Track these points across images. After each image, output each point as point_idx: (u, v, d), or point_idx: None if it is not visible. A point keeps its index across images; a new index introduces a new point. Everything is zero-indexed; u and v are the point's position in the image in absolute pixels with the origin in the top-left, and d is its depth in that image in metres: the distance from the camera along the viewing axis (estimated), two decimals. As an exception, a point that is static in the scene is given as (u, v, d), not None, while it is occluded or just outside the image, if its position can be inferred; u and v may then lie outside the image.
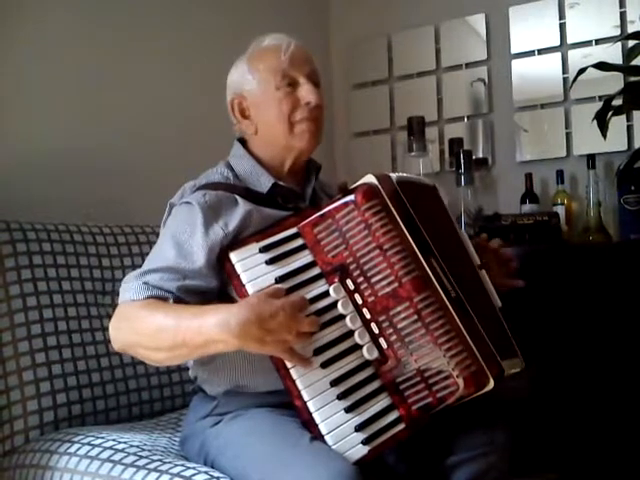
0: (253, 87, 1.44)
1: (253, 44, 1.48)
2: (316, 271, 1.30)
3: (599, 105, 2.00)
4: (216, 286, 1.33)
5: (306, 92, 1.41)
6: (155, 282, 1.28)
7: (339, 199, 1.30)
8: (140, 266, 1.33)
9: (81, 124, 2.03)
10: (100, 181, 2.03)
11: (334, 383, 1.24)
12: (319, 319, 1.24)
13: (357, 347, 1.27)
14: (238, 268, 1.27)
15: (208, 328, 1.19)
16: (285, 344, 1.19)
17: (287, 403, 1.27)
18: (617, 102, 1.97)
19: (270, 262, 1.28)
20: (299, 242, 1.31)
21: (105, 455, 1.39)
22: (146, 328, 1.25)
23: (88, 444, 1.44)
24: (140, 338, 1.26)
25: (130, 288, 1.29)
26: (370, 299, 1.26)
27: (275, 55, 1.42)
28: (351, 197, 1.27)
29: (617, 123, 2.12)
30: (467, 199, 2.48)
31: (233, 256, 1.28)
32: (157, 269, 1.29)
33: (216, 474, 1.25)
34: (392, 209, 1.27)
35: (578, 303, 2.07)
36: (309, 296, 1.26)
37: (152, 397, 1.77)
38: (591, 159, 2.37)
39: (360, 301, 1.27)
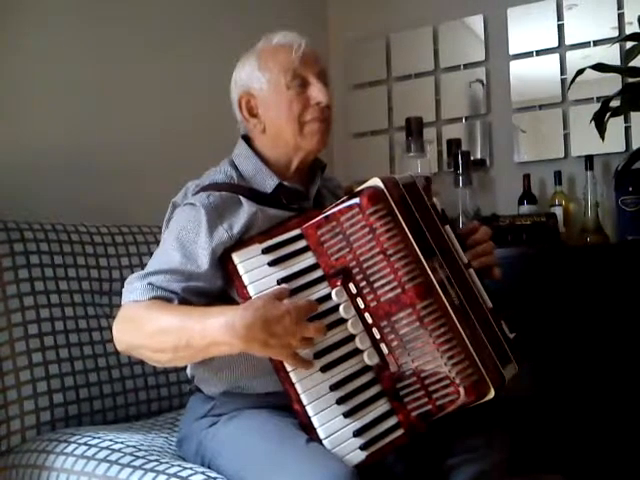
0: (263, 85, 1.42)
1: (262, 41, 1.45)
2: (318, 273, 1.29)
3: (597, 106, 1.99)
4: (220, 287, 1.32)
5: (317, 92, 1.40)
6: (160, 283, 1.27)
7: (344, 201, 1.28)
8: (137, 266, 1.32)
9: (80, 124, 2.02)
10: (98, 181, 2.02)
11: (334, 387, 1.24)
12: (323, 325, 1.22)
13: (358, 352, 1.26)
14: (240, 269, 1.26)
15: (213, 330, 1.18)
16: (289, 348, 1.18)
17: (285, 404, 1.26)
18: (615, 103, 1.97)
19: (272, 264, 1.27)
20: (302, 244, 1.30)
21: (102, 455, 1.38)
22: (150, 329, 1.24)
23: (85, 444, 1.44)
24: (144, 339, 1.26)
25: (134, 289, 1.28)
26: (372, 304, 1.25)
27: (286, 54, 1.40)
28: (356, 200, 1.26)
29: (615, 124, 2.13)
30: (465, 200, 2.49)
31: (235, 257, 1.27)
32: (161, 271, 1.28)
33: (213, 475, 1.25)
34: (397, 214, 1.25)
35: (576, 304, 2.07)
36: (311, 299, 1.24)
37: (149, 397, 1.77)
38: (589, 160, 2.37)
39: (362, 305, 1.26)
